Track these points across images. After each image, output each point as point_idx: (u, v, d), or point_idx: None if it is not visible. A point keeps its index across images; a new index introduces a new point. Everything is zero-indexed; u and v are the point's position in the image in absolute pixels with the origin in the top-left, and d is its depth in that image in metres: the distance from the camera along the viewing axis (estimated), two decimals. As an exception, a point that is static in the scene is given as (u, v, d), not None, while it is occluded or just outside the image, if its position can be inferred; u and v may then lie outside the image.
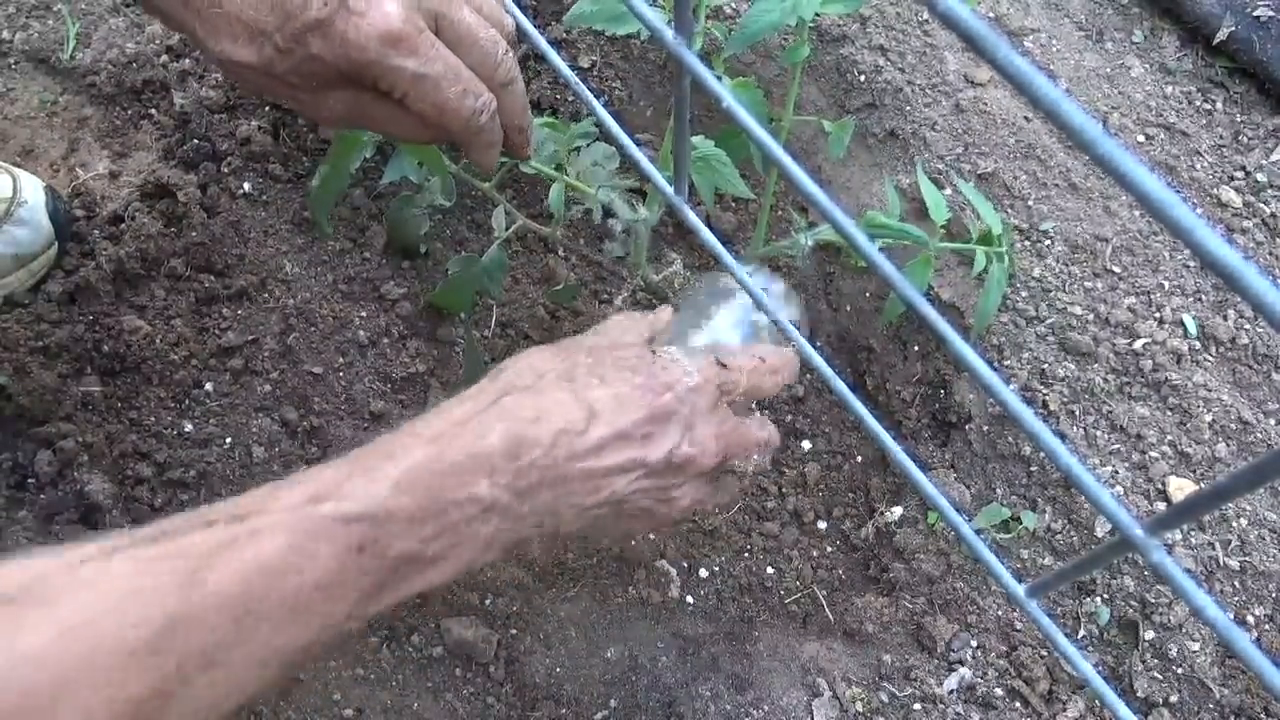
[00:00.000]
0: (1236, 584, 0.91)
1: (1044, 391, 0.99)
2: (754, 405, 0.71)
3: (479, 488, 0.55)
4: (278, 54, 0.60)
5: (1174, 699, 0.89)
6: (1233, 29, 1.13)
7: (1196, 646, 0.90)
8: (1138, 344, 1.00)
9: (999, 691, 0.91)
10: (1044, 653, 0.92)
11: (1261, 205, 1.09)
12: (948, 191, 1.05)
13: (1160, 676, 0.90)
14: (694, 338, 0.69)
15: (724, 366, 0.64)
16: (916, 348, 1.05)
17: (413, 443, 0.55)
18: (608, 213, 0.76)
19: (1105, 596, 0.93)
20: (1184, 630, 0.90)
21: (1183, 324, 1.01)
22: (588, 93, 0.36)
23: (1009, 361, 1.00)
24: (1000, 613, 0.94)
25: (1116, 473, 0.96)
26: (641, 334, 0.66)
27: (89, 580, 0.43)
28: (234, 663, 0.46)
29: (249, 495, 0.50)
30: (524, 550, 0.61)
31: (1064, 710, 0.90)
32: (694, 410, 0.62)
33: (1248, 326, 1.01)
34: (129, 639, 0.42)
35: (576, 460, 0.58)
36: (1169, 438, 0.97)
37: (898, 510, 1.00)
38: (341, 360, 1.01)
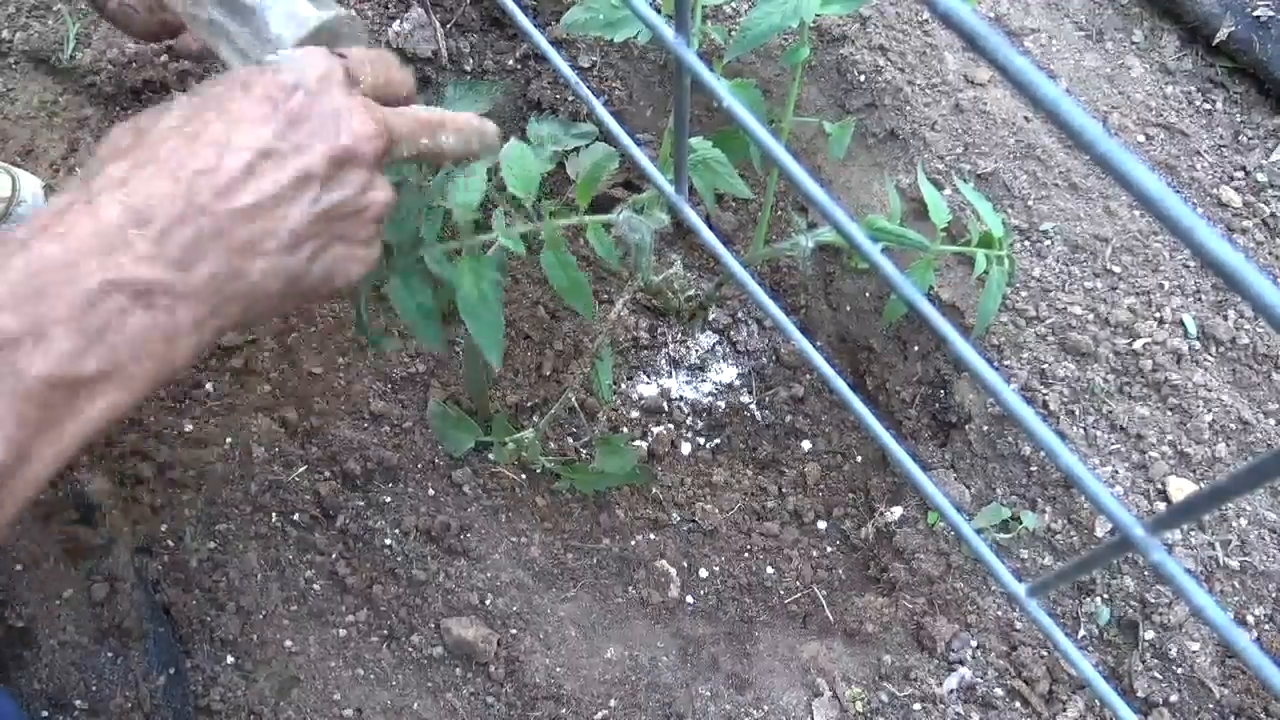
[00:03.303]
0: (1236, 584, 0.91)
1: (1044, 391, 0.99)
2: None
3: (117, 270, 0.46)
4: None
5: (1174, 699, 0.89)
6: (1233, 29, 1.13)
7: (1196, 646, 0.90)
8: (1138, 344, 1.00)
9: (999, 691, 0.91)
10: (1044, 653, 0.92)
11: (1261, 205, 1.09)
12: (948, 192, 1.05)
13: (1160, 676, 0.90)
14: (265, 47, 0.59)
15: (341, 55, 0.55)
16: (916, 348, 1.05)
17: (5, 250, 0.46)
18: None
19: (1105, 596, 0.93)
20: (1184, 630, 0.90)
21: (1183, 324, 1.01)
22: (588, 93, 0.37)
23: (1009, 361, 1.00)
24: (1000, 613, 0.94)
25: (1116, 473, 0.96)
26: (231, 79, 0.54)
27: None
28: None
29: None
30: (231, 322, 0.52)
31: (1064, 710, 0.90)
32: (334, 101, 0.53)
33: (1248, 326, 1.01)
34: None
35: (226, 199, 0.49)
36: (1169, 438, 0.97)
37: (898, 510, 1.00)
38: (341, 360, 1.01)
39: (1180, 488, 0.95)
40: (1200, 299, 1.03)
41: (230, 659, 0.89)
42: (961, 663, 0.93)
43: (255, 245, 0.51)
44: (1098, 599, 0.93)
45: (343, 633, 0.91)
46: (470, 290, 0.69)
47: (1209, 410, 0.97)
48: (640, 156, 0.37)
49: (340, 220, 0.55)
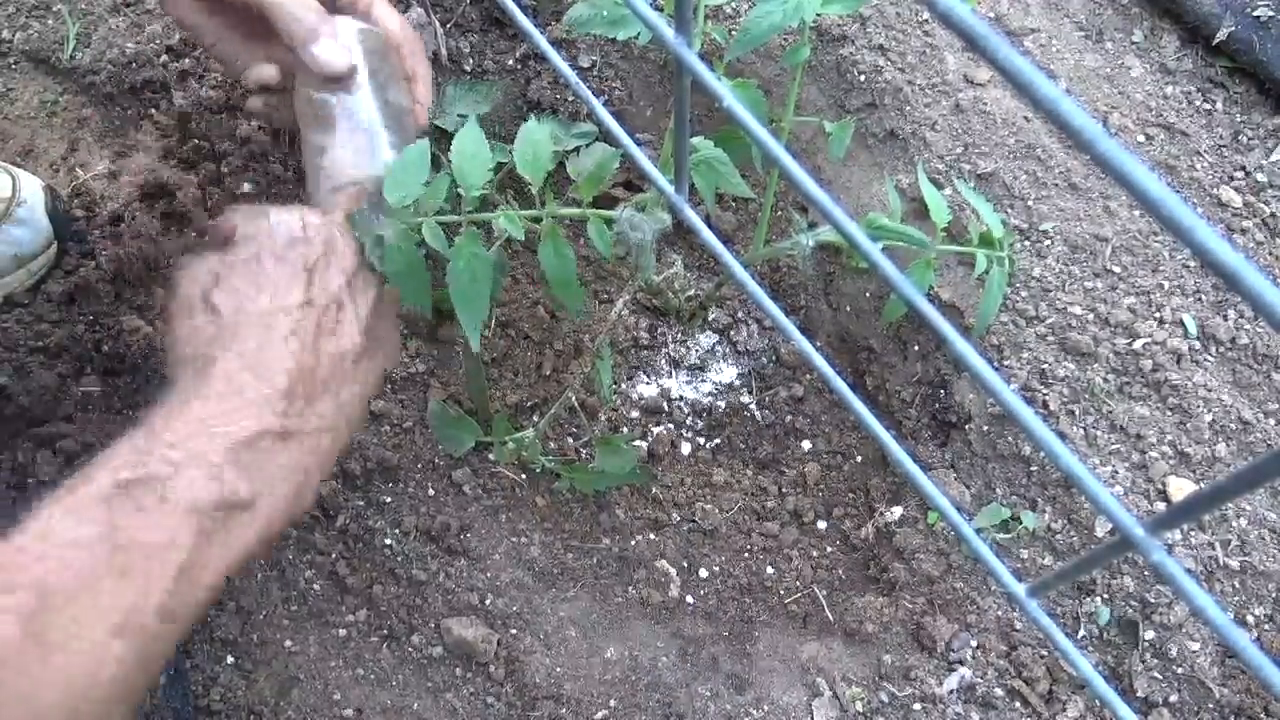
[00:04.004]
0: (1236, 584, 0.91)
1: (1044, 391, 0.99)
2: None
3: (260, 421, 0.59)
4: None
5: (1174, 699, 0.89)
6: (1233, 29, 1.13)
7: (1196, 646, 0.90)
8: (1138, 344, 1.00)
9: (999, 691, 0.91)
10: (1044, 653, 0.92)
11: (1261, 205, 1.09)
12: (948, 191, 1.05)
13: (1160, 676, 0.90)
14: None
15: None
16: (916, 348, 1.05)
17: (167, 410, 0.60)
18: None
19: (1105, 596, 0.93)
20: (1184, 630, 0.90)
21: (1183, 324, 1.01)
22: (588, 93, 0.36)
23: (1009, 361, 1.00)
24: (1000, 613, 0.94)
25: (1116, 473, 0.96)
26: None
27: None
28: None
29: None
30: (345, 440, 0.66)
31: (1064, 710, 0.90)
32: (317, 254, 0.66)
33: (1248, 326, 1.01)
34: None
35: (318, 348, 0.64)
36: (1169, 438, 0.97)
37: (898, 510, 1.00)
38: (341, 360, 1.01)
39: (1180, 488, 0.95)
40: (1200, 299, 1.03)
41: (230, 659, 0.89)
42: (961, 663, 0.93)
43: (342, 367, 0.64)
44: (1098, 599, 0.93)
45: (343, 633, 0.91)
46: (462, 268, 0.69)
47: (1209, 410, 0.97)
48: (640, 156, 0.37)
49: (355, 296, 0.67)
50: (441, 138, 1.03)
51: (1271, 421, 0.98)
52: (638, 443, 1.01)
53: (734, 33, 0.82)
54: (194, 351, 0.62)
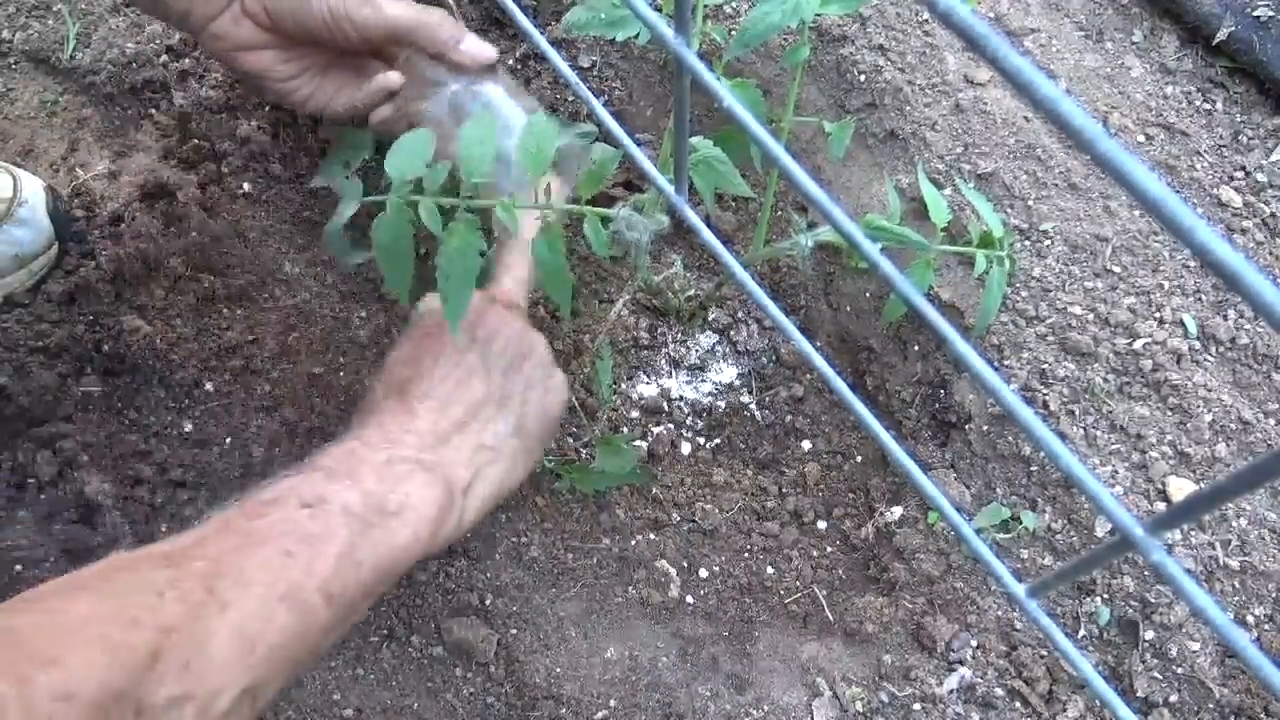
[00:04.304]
0: (1236, 584, 0.91)
1: (1044, 391, 0.99)
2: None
3: (399, 449, 0.69)
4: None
5: (1174, 699, 0.89)
6: (1233, 29, 1.13)
7: (1196, 646, 0.90)
8: (1138, 344, 1.00)
9: (999, 691, 0.91)
10: (1044, 653, 0.92)
11: (1261, 205, 1.09)
12: (948, 191, 1.05)
13: (1160, 676, 0.90)
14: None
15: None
16: (916, 348, 1.05)
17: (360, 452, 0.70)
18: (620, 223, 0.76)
19: (1105, 596, 0.93)
20: (1184, 630, 0.90)
21: (1183, 324, 1.01)
22: (588, 93, 0.36)
23: (1009, 361, 1.00)
24: (1000, 613, 0.94)
25: (1116, 473, 0.96)
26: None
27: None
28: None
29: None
30: (493, 487, 0.75)
31: (1064, 710, 0.90)
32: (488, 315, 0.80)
33: (1248, 326, 1.01)
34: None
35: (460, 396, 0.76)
36: (1169, 438, 0.97)
37: (898, 510, 1.00)
38: (341, 360, 1.01)
39: (1180, 488, 0.95)
40: (1200, 299, 1.03)
41: (230, 659, 0.89)
42: (961, 663, 0.93)
43: (476, 418, 0.75)
44: (1098, 599, 0.93)
45: (343, 633, 0.91)
46: (454, 252, 0.69)
47: (1209, 410, 0.97)
48: (640, 156, 0.37)
49: (517, 371, 0.78)
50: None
51: (1271, 421, 0.98)
52: (638, 443, 1.01)
53: (733, 33, 0.82)
54: (384, 389, 0.76)
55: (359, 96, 0.84)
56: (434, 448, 0.71)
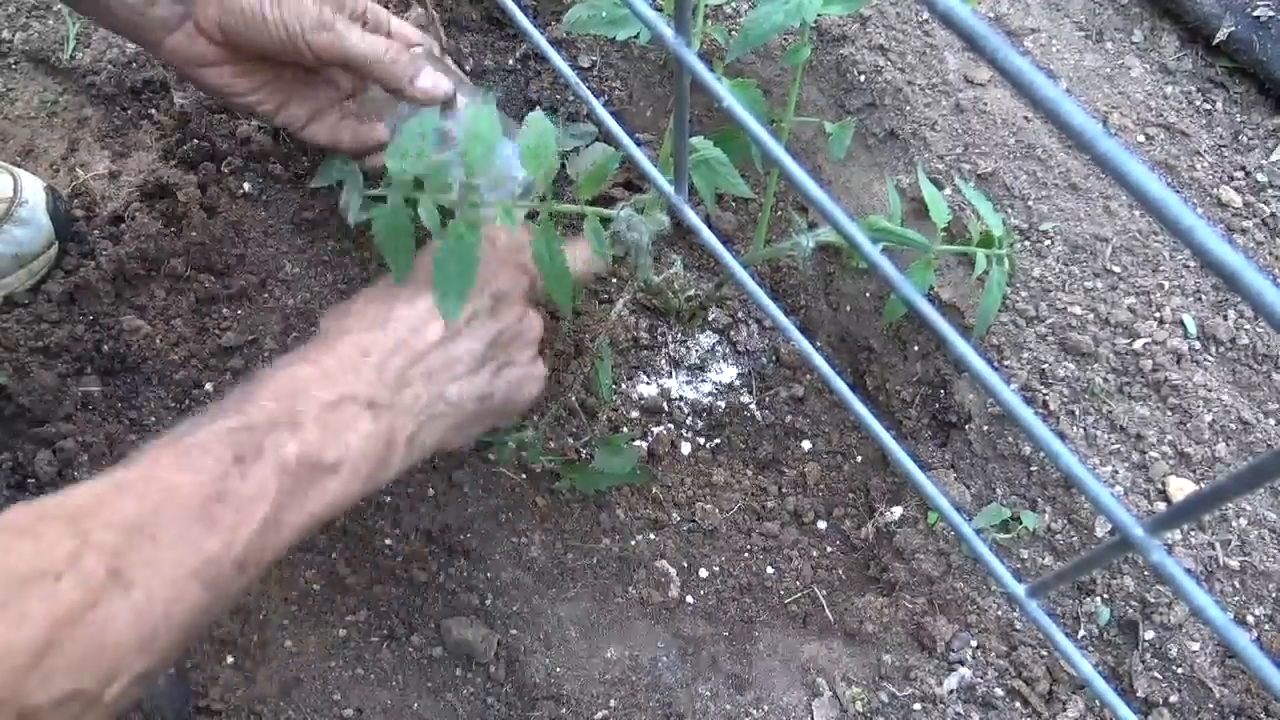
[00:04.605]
0: (1236, 584, 0.91)
1: (1044, 391, 0.99)
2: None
3: (351, 386, 0.64)
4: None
5: (1174, 699, 0.89)
6: (1233, 29, 1.13)
7: (1196, 646, 0.90)
8: (1138, 344, 1.00)
9: (999, 691, 0.91)
10: (1044, 653, 0.92)
11: (1261, 205, 1.09)
12: (948, 191, 1.05)
13: (1160, 676, 0.90)
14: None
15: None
16: (916, 348, 1.05)
17: (274, 371, 0.65)
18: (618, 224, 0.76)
19: (1105, 596, 0.93)
20: (1184, 630, 0.90)
21: (1183, 324, 1.01)
22: (588, 93, 0.36)
23: (1009, 361, 1.00)
24: (1000, 613, 0.94)
25: (1116, 473, 0.96)
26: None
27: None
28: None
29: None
30: (436, 441, 0.71)
31: (1064, 710, 0.90)
32: (491, 263, 0.75)
33: (1248, 326, 1.01)
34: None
35: (421, 336, 0.69)
36: (1169, 438, 0.97)
37: (898, 510, 1.00)
38: (341, 360, 1.01)
39: (1180, 488, 0.95)
40: (1200, 299, 1.03)
41: (230, 659, 0.89)
42: (961, 663, 0.93)
43: (447, 369, 0.69)
44: (1098, 599, 0.93)
45: (343, 633, 0.91)
46: (448, 248, 0.68)
47: (1209, 410, 0.97)
48: (640, 156, 0.37)
49: (506, 345, 0.75)
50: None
51: (1271, 421, 0.98)
52: (638, 443, 1.01)
53: (734, 33, 0.82)
54: (322, 329, 0.70)
55: (344, 138, 0.85)
56: (392, 387, 0.66)
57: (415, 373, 0.68)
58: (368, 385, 0.64)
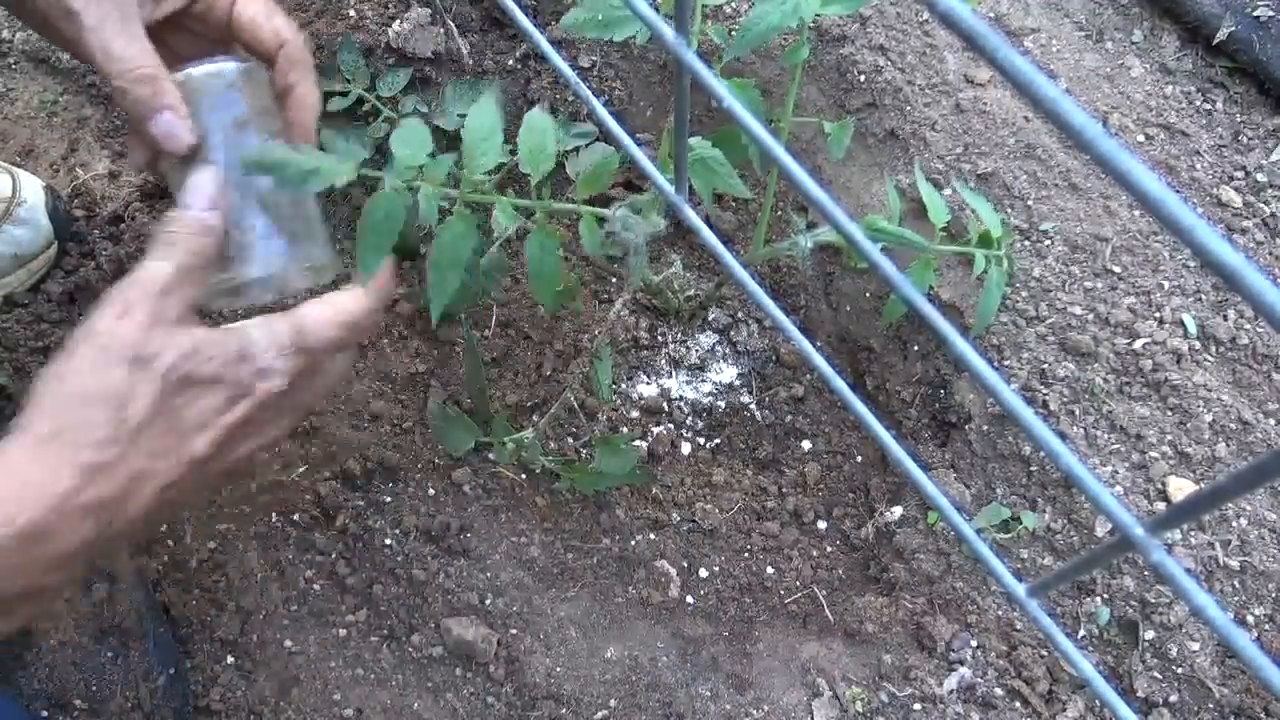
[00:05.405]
0: (1236, 584, 0.91)
1: (1044, 391, 0.99)
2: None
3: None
4: None
5: (1174, 699, 0.89)
6: (1233, 29, 1.13)
7: (1196, 646, 0.90)
8: (1138, 344, 1.00)
9: (999, 691, 0.91)
10: (1044, 653, 0.92)
11: (1261, 205, 1.09)
12: (948, 191, 1.05)
13: (1160, 676, 0.90)
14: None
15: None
16: (916, 348, 1.05)
17: None
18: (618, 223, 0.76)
19: (1105, 596, 0.93)
20: (1184, 630, 0.90)
21: (1183, 324, 1.01)
22: (588, 93, 0.36)
23: (1009, 361, 1.00)
24: (1000, 613, 0.94)
25: (1116, 473, 0.96)
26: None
27: None
28: None
29: None
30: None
31: (1064, 710, 0.90)
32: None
33: (1248, 326, 1.01)
34: None
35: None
36: (1169, 438, 0.97)
37: (898, 510, 1.00)
38: (341, 360, 1.01)
39: (1180, 488, 0.95)
40: (1200, 299, 1.03)
41: (230, 659, 0.89)
42: (961, 663, 0.93)
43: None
44: (1098, 599, 0.93)
45: (343, 633, 0.91)
46: (446, 244, 0.68)
47: (1209, 410, 0.97)
48: (640, 156, 0.37)
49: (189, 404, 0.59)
50: (441, 137, 1.03)
51: (1271, 421, 0.98)
52: (638, 443, 1.01)
53: (733, 33, 0.82)
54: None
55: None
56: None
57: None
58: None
